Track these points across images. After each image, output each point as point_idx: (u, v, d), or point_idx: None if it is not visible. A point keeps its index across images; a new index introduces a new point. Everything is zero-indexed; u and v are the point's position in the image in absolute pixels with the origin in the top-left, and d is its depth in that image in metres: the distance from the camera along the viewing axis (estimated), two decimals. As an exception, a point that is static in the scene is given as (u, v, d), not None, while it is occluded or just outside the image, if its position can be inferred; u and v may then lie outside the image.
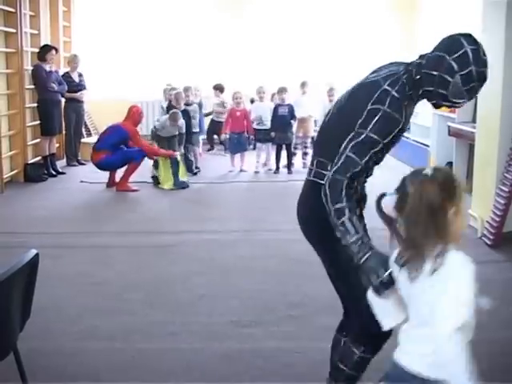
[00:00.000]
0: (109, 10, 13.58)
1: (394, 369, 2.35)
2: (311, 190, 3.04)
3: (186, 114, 10.13)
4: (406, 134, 11.59)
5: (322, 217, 2.75)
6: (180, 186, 9.18)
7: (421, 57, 2.82)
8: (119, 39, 13.64)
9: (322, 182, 2.74)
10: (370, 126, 2.66)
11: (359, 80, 2.96)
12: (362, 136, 2.67)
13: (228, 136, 10.84)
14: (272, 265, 5.80)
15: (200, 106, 11.38)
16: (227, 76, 13.16)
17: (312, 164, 3.04)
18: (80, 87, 11.02)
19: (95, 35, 13.59)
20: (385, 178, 10.08)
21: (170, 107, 10.52)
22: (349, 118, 2.76)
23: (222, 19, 13.59)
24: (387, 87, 2.71)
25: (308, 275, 5.48)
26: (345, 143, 2.70)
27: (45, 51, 10.09)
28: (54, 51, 10.21)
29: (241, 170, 10.64)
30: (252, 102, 11.68)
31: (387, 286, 2.39)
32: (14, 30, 9.63)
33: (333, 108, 3.01)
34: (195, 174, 10.26)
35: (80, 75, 11.18)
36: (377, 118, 2.66)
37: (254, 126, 10.74)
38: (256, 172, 10.66)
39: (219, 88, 12.47)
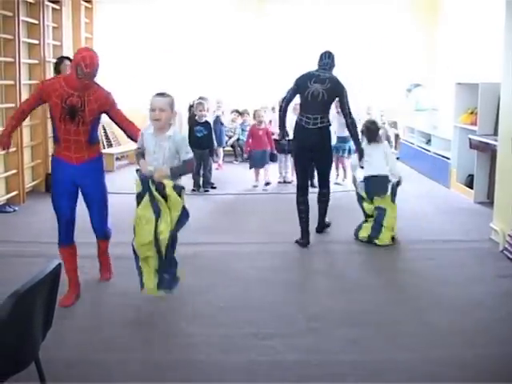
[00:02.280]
0: (131, 21, 13.68)
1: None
2: (326, 130, 6.94)
3: (208, 127, 10.17)
4: (426, 147, 11.59)
5: (330, 141, 7.16)
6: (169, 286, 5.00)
7: (325, 63, 7.06)
8: (141, 50, 13.73)
9: (329, 124, 6.98)
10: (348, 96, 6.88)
11: (323, 77, 6.91)
12: (348, 99, 6.86)
13: (250, 153, 10.75)
14: (292, 277, 5.81)
15: (219, 118, 11.47)
16: (247, 88, 13.25)
17: (316, 119, 6.80)
18: None
19: (117, 46, 13.68)
20: (406, 189, 10.07)
21: (191, 118, 10.61)
22: (334, 95, 6.88)
23: (243, 31, 13.67)
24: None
25: (327, 288, 5.50)
26: (346, 104, 6.86)
27: (59, 62, 10.16)
28: (66, 61, 10.26)
29: (266, 183, 10.54)
30: (273, 109, 11.76)
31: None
32: (36, 42, 9.75)
33: (320, 93, 6.79)
34: (207, 190, 10.10)
35: None
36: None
37: (275, 136, 10.68)
38: (279, 182, 10.73)
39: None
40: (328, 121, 6.93)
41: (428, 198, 9.46)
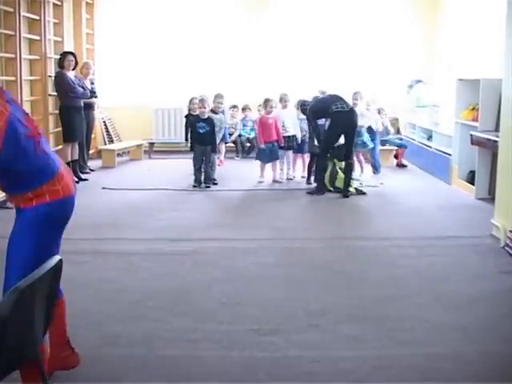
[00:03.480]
0: (131, 17, 13.65)
1: None
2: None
3: (210, 123, 10.12)
4: (427, 143, 11.57)
5: None
6: None
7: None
8: (142, 46, 13.72)
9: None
10: None
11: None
12: None
13: (262, 146, 10.54)
14: (294, 273, 5.79)
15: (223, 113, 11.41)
16: (249, 83, 13.22)
17: (347, 103, 9.50)
18: (92, 94, 11.05)
19: (118, 42, 13.66)
20: (407, 185, 10.03)
21: (188, 116, 10.55)
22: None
23: (244, 26, 13.63)
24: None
25: (330, 284, 5.49)
26: None
27: (63, 58, 10.16)
28: (70, 56, 10.25)
29: (274, 181, 10.48)
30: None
31: None
32: (38, 38, 9.73)
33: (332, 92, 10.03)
34: (208, 186, 9.98)
35: (92, 83, 11.21)
36: None
37: None
38: (281, 179, 10.67)
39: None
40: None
41: (429, 195, 9.45)
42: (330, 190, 9.62)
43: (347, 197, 9.25)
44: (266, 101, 10.66)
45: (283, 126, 10.57)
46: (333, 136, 9.50)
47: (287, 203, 9.00)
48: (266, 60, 13.49)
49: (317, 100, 10.04)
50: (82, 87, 10.41)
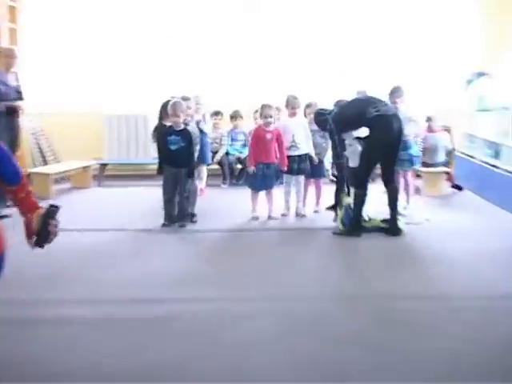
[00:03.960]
0: (65, 4, 13.80)
1: None
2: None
3: (186, 137, 10.13)
4: (494, 162, 11.65)
5: None
6: None
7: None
8: (85, 34, 13.81)
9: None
10: None
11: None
12: None
13: (250, 169, 10.58)
14: (302, 346, 5.80)
15: (199, 124, 11.30)
16: (238, 83, 13.42)
17: (390, 105, 10.05)
18: (18, 95, 11.06)
19: (49, 35, 13.72)
20: (463, 220, 10.00)
21: (158, 126, 10.58)
22: None
23: (226, 22, 13.93)
24: None
25: (343, 359, 5.51)
26: None
27: None
28: None
29: (269, 217, 10.63)
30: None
31: None
32: None
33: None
34: (183, 225, 10.11)
35: (17, 79, 11.21)
36: None
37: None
38: (284, 215, 10.80)
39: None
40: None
41: (494, 235, 9.55)
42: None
43: (398, 235, 9.52)
44: (263, 107, 10.57)
45: (292, 141, 10.63)
46: (374, 153, 9.66)
47: (292, 248, 9.10)
48: (260, 54, 13.73)
49: (343, 105, 10.06)
50: (5, 84, 10.47)
